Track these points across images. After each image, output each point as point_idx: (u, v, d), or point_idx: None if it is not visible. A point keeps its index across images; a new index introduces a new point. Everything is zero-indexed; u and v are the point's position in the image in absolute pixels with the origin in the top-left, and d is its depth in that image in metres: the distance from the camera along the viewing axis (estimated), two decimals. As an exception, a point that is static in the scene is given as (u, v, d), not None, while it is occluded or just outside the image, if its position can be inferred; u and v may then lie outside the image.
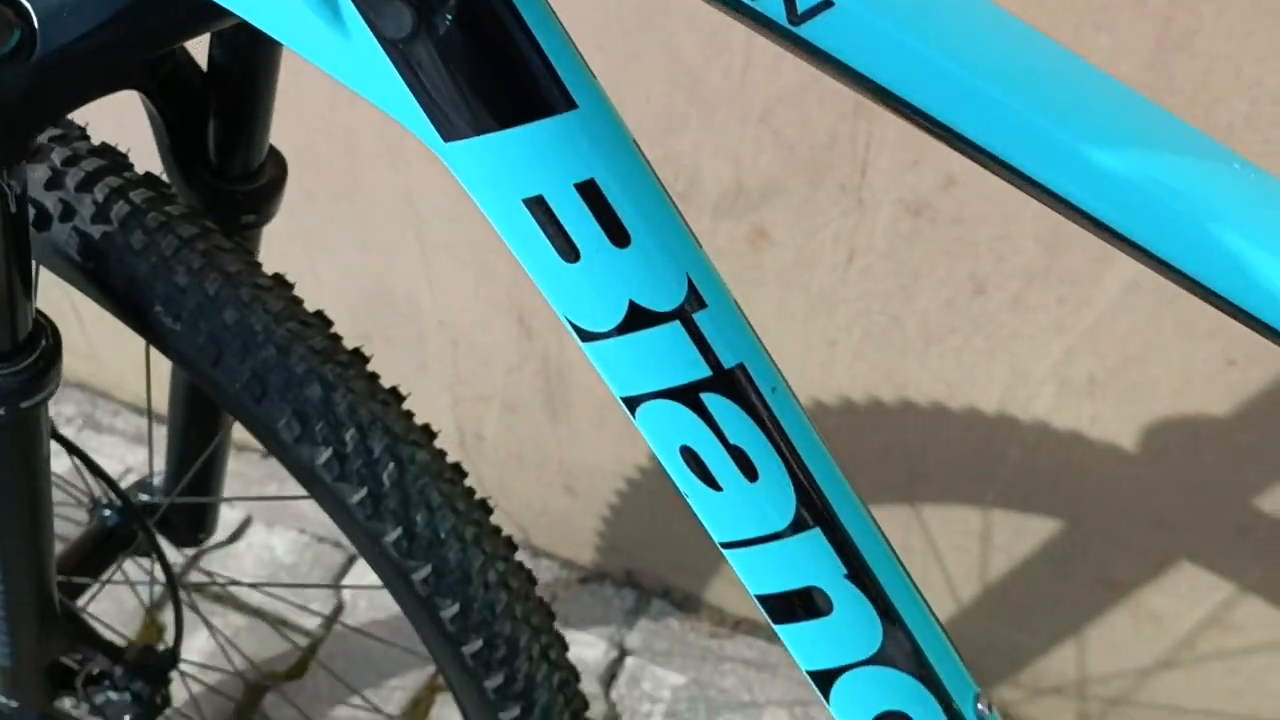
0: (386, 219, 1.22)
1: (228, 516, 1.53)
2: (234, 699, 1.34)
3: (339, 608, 1.44)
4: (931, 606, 0.56)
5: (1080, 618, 1.19)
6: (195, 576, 1.47)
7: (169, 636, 1.39)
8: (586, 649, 1.40)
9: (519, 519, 1.47)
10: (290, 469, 0.63)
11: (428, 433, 0.66)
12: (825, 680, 0.54)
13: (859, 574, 0.52)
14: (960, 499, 1.16)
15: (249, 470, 1.58)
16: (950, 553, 1.21)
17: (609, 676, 1.38)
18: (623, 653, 1.40)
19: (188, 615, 1.39)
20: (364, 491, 0.62)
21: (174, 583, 0.85)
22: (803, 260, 1.05)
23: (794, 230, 1.03)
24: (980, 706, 0.56)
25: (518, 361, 1.28)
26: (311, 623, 1.43)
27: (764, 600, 0.53)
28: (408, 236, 1.23)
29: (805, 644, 0.53)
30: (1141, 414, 1.02)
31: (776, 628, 0.54)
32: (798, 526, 0.51)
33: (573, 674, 0.75)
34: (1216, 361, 0.95)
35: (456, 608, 0.66)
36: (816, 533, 0.51)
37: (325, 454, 0.61)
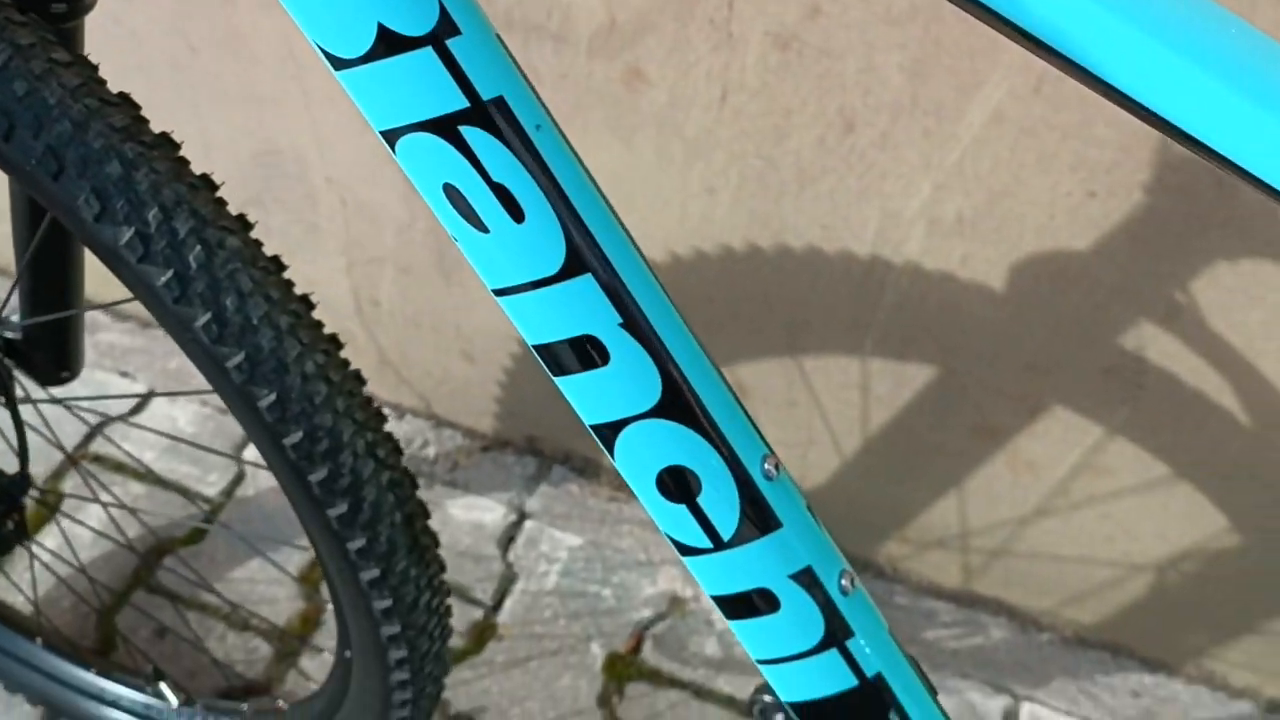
0: (270, 72, 1.20)
1: (131, 389, 1.52)
2: (134, 558, 1.34)
3: (239, 477, 1.44)
4: (721, 372, 0.57)
5: (960, 468, 1.21)
6: (96, 448, 1.46)
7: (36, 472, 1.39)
8: (485, 513, 1.41)
9: (420, 388, 1.47)
10: (97, 252, 0.63)
11: (241, 221, 0.65)
12: (608, 434, 0.55)
13: (635, 323, 0.52)
14: (840, 349, 1.17)
15: (154, 346, 1.57)
16: (833, 407, 1.22)
17: (507, 539, 1.39)
18: (521, 516, 1.41)
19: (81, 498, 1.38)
20: (170, 273, 0.62)
21: (14, 404, 0.84)
22: (677, 101, 1.04)
23: (667, 68, 1.02)
24: (768, 467, 0.57)
25: (407, 219, 1.27)
26: (211, 491, 1.43)
27: (541, 352, 0.53)
28: (291, 90, 1.21)
29: (585, 396, 0.54)
30: (1009, 253, 1.02)
31: (556, 381, 0.54)
32: (568, 271, 0.51)
33: (407, 477, 0.75)
34: (1078, 194, 0.96)
35: (273, 397, 0.66)
36: (588, 279, 0.51)
37: (127, 233, 0.61)
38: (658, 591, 1.35)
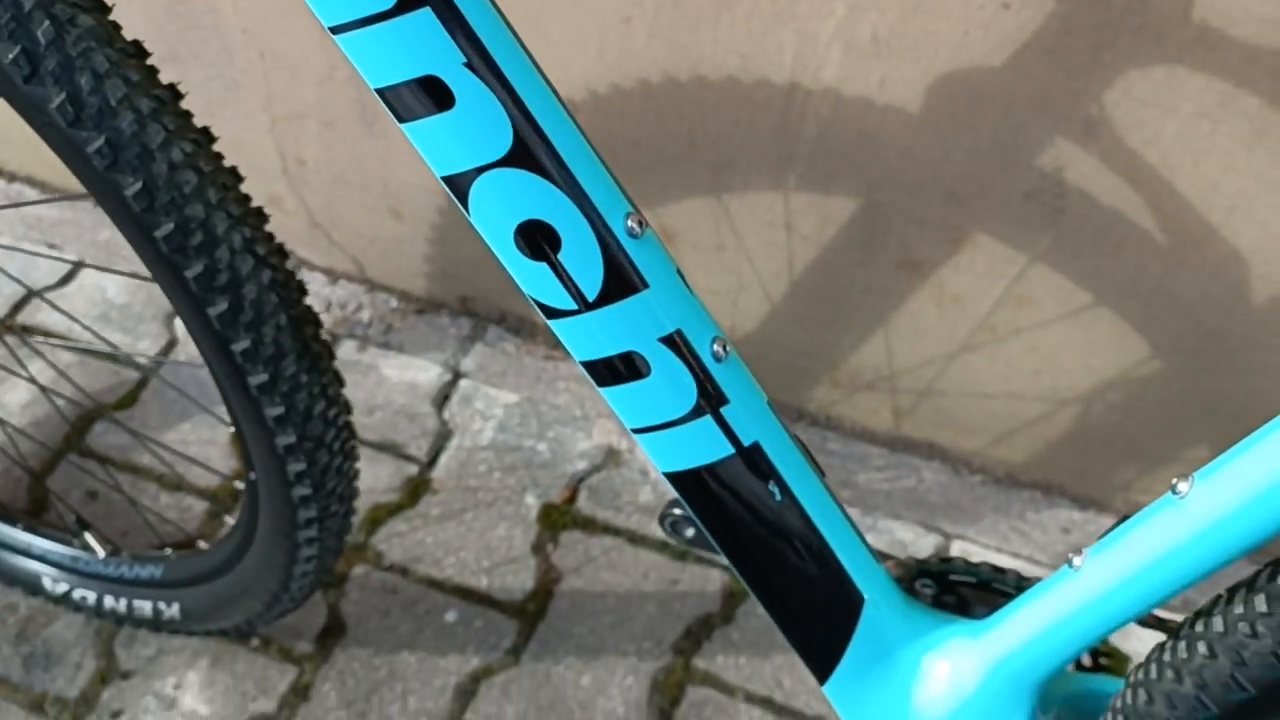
0: (173, -86, 1.16)
1: (59, 262, 1.50)
2: (65, 423, 1.33)
3: (171, 343, 1.43)
4: (579, 125, 0.55)
5: (887, 306, 1.21)
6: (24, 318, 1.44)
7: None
8: (420, 373, 1.41)
9: (352, 251, 1.45)
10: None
11: (96, 2, 0.63)
12: (460, 186, 0.53)
13: (480, 64, 0.51)
14: (765, 186, 1.15)
15: (82, 219, 1.55)
16: (760, 249, 1.21)
17: (442, 398, 1.39)
18: (456, 375, 1.41)
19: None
20: (16, 49, 0.60)
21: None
22: (586, -76, 1.01)
23: (572, -112, 0.99)
24: (631, 224, 0.55)
25: (326, 70, 1.25)
26: (143, 358, 1.42)
27: (385, 97, 0.52)
28: (197, -67, 1.17)
29: (433, 143, 0.52)
30: (926, 73, 1.01)
31: (403, 127, 0.53)
32: (404, 5, 0.49)
33: (292, 279, 0.74)
34: (992, 7, 0.94)
35: (139, 185, 0.64)
36: (426, 14, 0.49)
37: (-31, 9, 0.59)
38: (593, 445, 1.35)
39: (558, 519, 1.29)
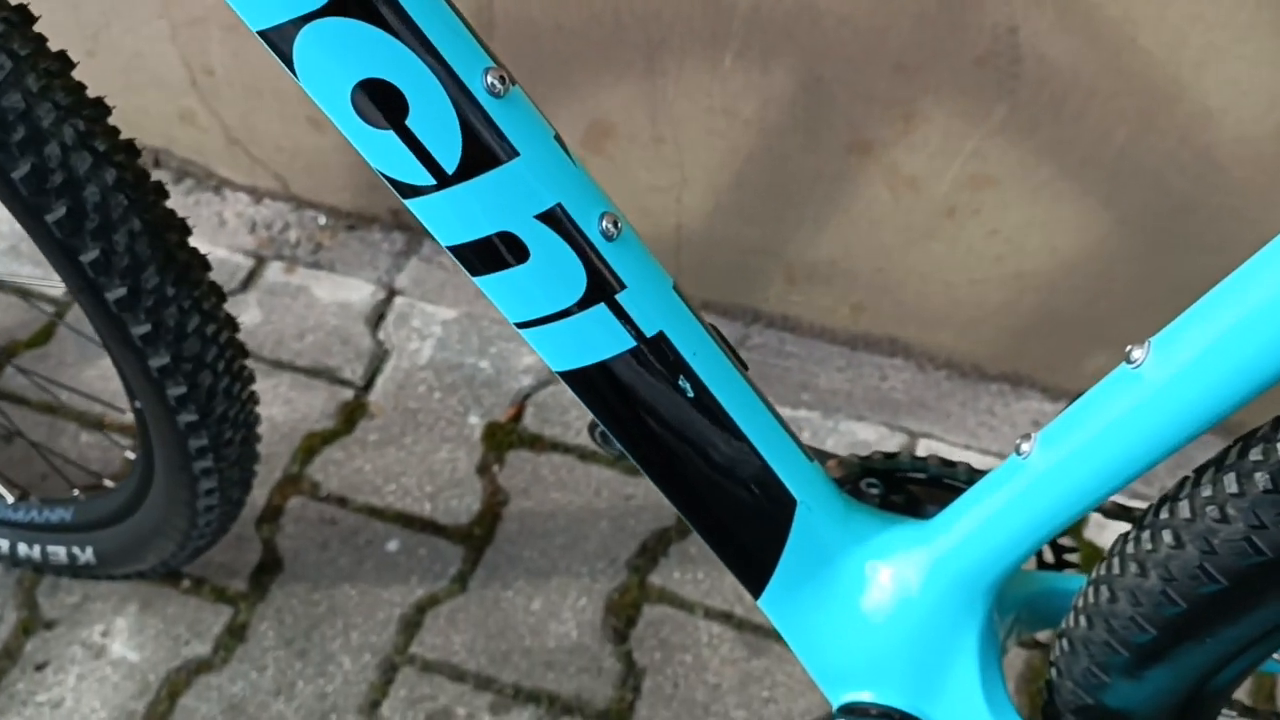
0: None
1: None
2: (-26, 370, 1.26)
3: (88, 274, 1.34)
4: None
5: (839, 193, 1.13)
6: (-70, 256, 1.36)
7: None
8: (353, 293, 1.33)
9: (274, 167, 1.37)
10: None
11: None
12: (282, 45, 0.45)
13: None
14: (700, 68, 1.07)
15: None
16: (701, 138, 1.12)
17: (376, 317, 1.31)
18: (391, 293, 1.33)
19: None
20: None
21: None
22: None
23: None
24: (492, 81, 0.48)
25: (222, -32, 1.15)
26: (56, 291, 1.33)
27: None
28: None
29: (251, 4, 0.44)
30: (863, -70, 0.92)
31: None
32: None
33: (144, 179, 0.66)
34: None
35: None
36: None
37: None
38: (538, 360, 1.28)
39: (503, 438, 1.22)
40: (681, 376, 0.55)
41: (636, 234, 0.54)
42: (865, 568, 0.62)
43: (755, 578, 0.62)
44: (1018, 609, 0.66)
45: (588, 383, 0.55)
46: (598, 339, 0.53)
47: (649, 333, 0.54)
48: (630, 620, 1.11)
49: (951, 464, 0.67)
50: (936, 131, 1.04)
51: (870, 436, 1.22)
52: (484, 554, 1.15)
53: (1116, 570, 0.56)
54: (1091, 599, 0.58)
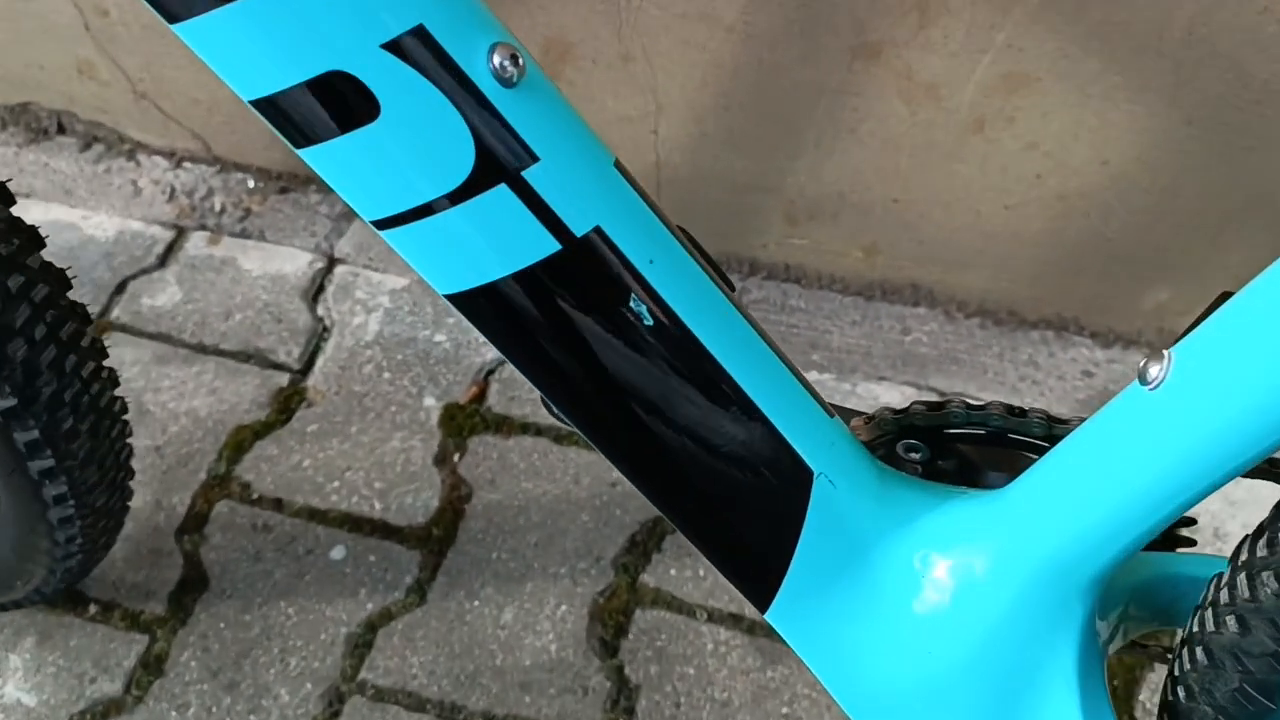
0: None
1: None
2: None
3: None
4: None
5: (845, 111, 0.95)
6: None
7: None
8: (286, 263, 1.15)
9: (191, 124, 1.19)
10: None
11: None
12: None
13: None
14: (669, -37, 0.89)
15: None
16: (677, 54, 0.94)
17: (315, 290, 1.13)
18: (331, 261, 1.15)
19: None
20: None
21: None
22: None
23: None
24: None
25: (102, -119, 0.97)
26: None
27: None
28: None
29: None
30: None
31: None
32: None
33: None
34: None
35: None
36: None
37: None
38: (503, 328, 1.10)
39: (464, 422, 1.05)
40: (633, 295, 0.38)
41: (554, 85, 0.36)
42: (913, 560, 0.44)
43: (761, 581, 0.44)
44: (1126, 603, 0.49)
45: (491, 310, 0.37)
46: (500, 242, 0.35)
47: (578, 229, 0.36)
48: (620, 629, 0.93)
49: (1021, 412, 0.49)
50: (959, 24, 0.86)
51: (893, 399, 1.04)
52: (445, 558, 0.97)
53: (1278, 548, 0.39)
54: (1244, 590, 0.41)
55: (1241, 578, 0.41)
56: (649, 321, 0.38)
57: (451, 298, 0.37)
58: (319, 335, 1.11)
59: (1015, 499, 0.43)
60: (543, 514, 0.99)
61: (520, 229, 0.35)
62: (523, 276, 0.36)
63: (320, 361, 1.09)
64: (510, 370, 1.08)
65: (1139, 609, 0.49)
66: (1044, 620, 0.43)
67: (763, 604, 0.45)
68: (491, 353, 1.09)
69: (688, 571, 0.96)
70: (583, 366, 0.38)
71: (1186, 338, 0.37)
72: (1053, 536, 0.41)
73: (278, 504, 1.01)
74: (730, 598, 0.94)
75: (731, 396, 0.40)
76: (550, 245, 0.36)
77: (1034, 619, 0.43)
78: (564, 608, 0.94)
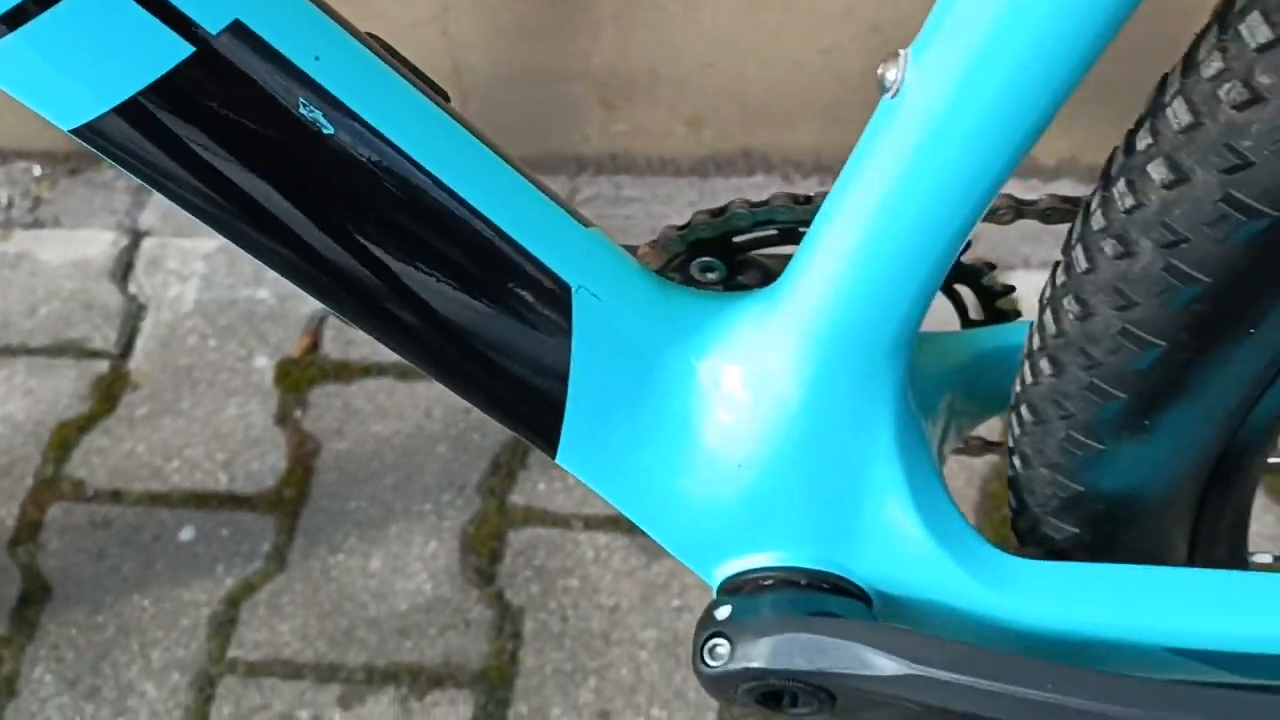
0: None
1: None
2: None
3: None
4: None
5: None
6: None
7: None
8: (88, 247, 1.07)
9: (-41, 117, 1.10)
10: None
11: None
12: None
13: None
14: None
15: None
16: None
17: (123, 269, 1.06)
18: (136, 236, 1.08)
19: None
20: None
21: None
22: None
23: None
24: None
25: None
26: None
27: None
28: None
29: None
30: None
31: None
32: None
33: None
34: None
35: None
36: None
37: None
38: (330, 273, 1.04)
39: (300, 376, 0.98)
40: (302, 101, 0.32)
41: None
42: (699, 371, 0.40)
43: (542, 420, 0.40)
44: (949, 390, 0.45)
45: (131, 143, 0.32)
46: (110, 51, 0.30)
47: (210, 26, 0.30)
48: (495, 554, 0.88)
49: (807, 199, 0.45)
50: None
51: (743, 272, 1.00)
52: (300, 519, 0.91)
53: (1082, 265, 0.35)
54: (1053, 326, 0.37)
55: (1047, 315, 0.38)
56: (329, 129, 0.33)
57: (77, 133, 0.31)
58: (134, 315, 1.03)
59: (791, 281, 0.39)
60: (397, 454, 0.94)
61: (133, 31, 0.29)
62: (153, 93, 0.31)
63: (140, 342, 1.01)
64: (343, 314, 1.02)
65: (965, 399, 0.45)
66: (848, 409, 0.39)
67: (551, 447, 0.40)
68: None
69: (557, 484, 0.91)
70: (262, 196, 0.33)
71: (921, 31, 0.33)
72: (836, 305, 0.37)
73: (115, 496, 0.94)
74: (605, 502, 0.90)
75: (454, 211, 0.35)
76: (179, 49, 0.30)
77: (837, 409, 0.39)
78: (433, 544, 0.89)
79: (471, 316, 0.37)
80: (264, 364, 0.99)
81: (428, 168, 0.35)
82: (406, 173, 0.35)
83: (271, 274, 1.08)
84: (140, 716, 0.84)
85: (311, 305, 1.02)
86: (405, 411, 0.96)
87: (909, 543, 0.41)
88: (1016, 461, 0.42)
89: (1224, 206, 0.30)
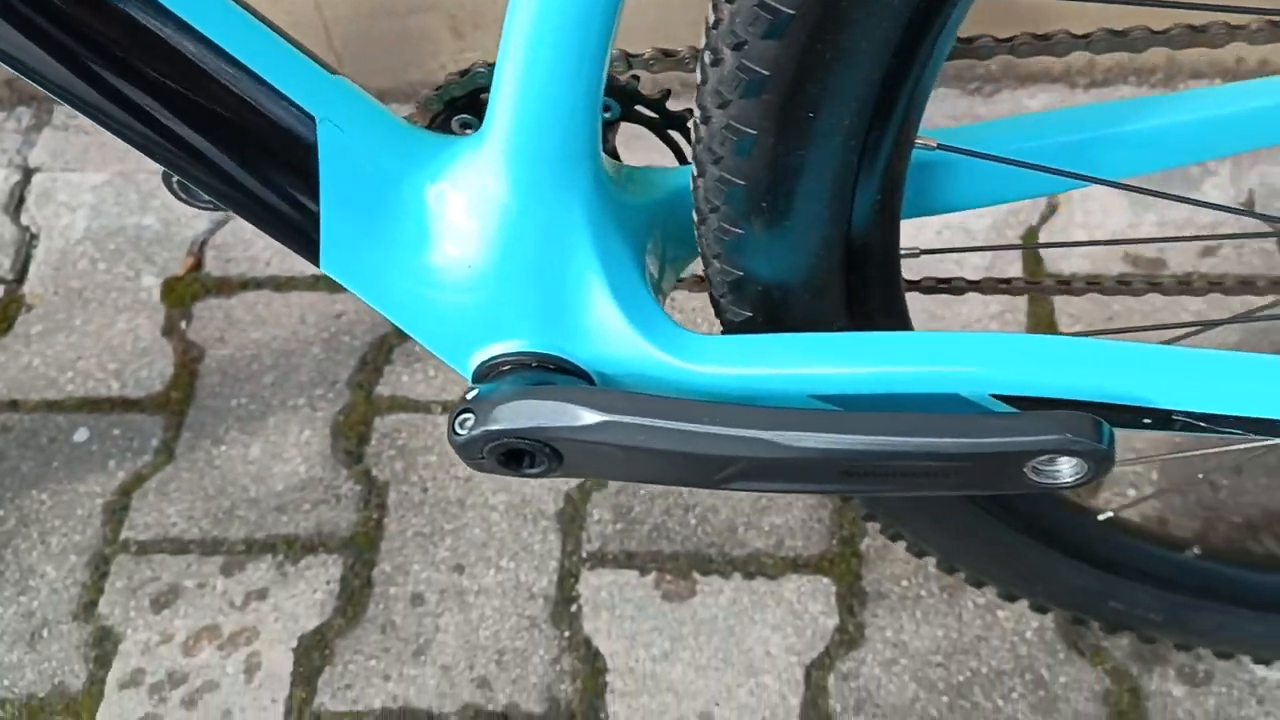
0: None
1: None
2: None
3: None
4: None
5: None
6: None
7: None
8: (-17, 184, 1.15)
9: None
10: None
11: None
12: None
13: None
14: None
15: None
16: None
17: (15, 203, 1.13)
18: (27, 173, 1.15)
19: None
20: None
21: None
22: None
23: None
24: None
25: None
26: None
27: None
28: None
29: None
30: None
31: None
32: None
33: None
34: None
35: None
36: None
37: None
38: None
39: (184, 291, 1.07)
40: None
41: None
42: (431, 192, 0.49)
43: (301, 233, 0.49)
44: (655, 218, 0.55)
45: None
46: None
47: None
48: (363, 438, 0.98)
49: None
50: None
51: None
52: (186, 416, 1.00)
53: (700, 80, 0.45)
54: (695, 134, 0.47)
55: (695, 124, 0.47)
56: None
57: None
58: (28, 244, 1.11)
59: (491, 112, 0.48)
60: (274, 356, 1.03)
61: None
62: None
63: (33, 268, 1.09)
64: (223, 236, 1.10)
65: (672, 229, 0.55)
66: (550, 209, 0.49)
67: (314, 257, 0.50)
68: (202, 224, 1.11)
69: (419, 375, 1.01)
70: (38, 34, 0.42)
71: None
72: (519, 124, 0.46)
73: (13, 405, 1.02)
74: (460, 388, 1.00)
75: (200, 50, 0.44)
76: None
77: (541, 209, 0.48)
78: (307, 433, 0.99)
79: (231, 141, 0.46)
80: (151, 283, 1.08)
81: (179, 14, 0.44)
82: (157, 17, 0.44)
83: (158, 201, 1.16)
84: (40, 594, 0.93)
85: (196, 228, 1.11)
86: (282, 319, 1.05)
87: (614, 329, 0.51)
88: (706, 268, 0.52)
89: (758, 10, 0.40)
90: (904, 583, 0.87)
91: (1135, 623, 0.77)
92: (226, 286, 1.07)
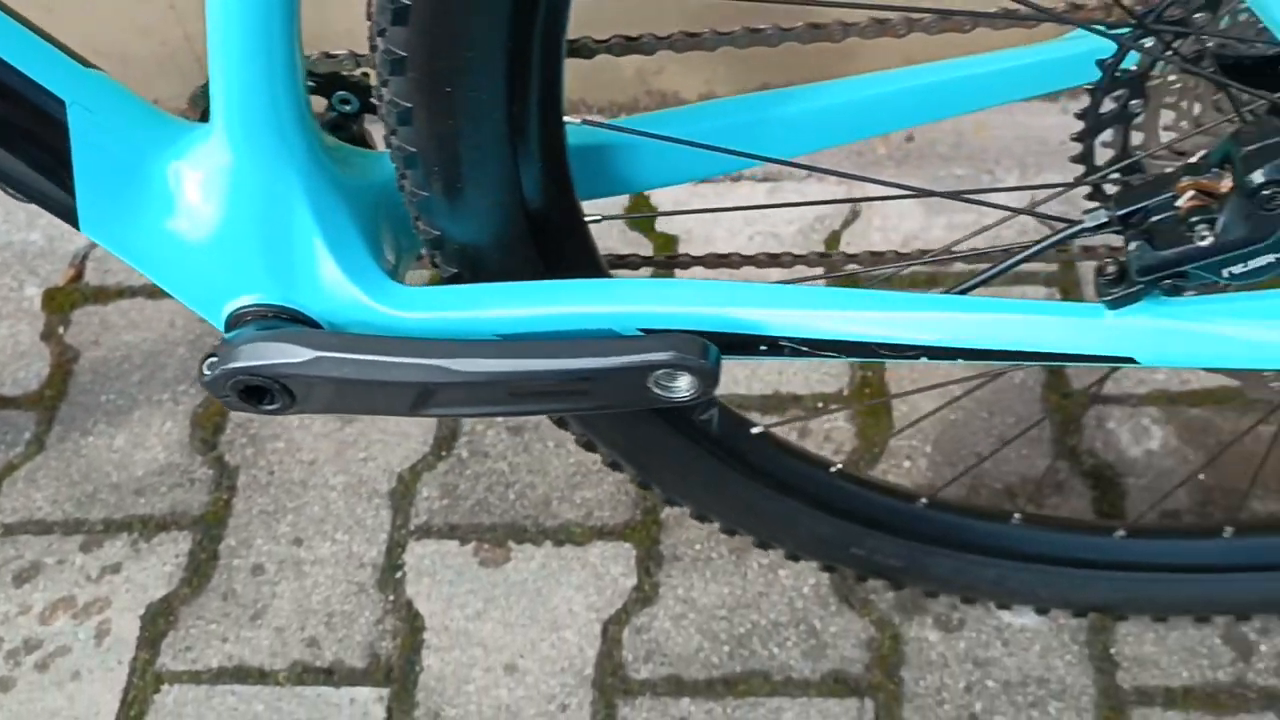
0: None
1: None
2: None
3: None
4: None
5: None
6: None
7: None
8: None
9: None
10: None
11: None
12: None
13: None
14: None
15: None
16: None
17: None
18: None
19: None
20: None
21: None
22: None
23: None
24: None
25: None
26: None
27: None
28: None
29: None
30: None
31: None
32: None
33: None
34: None
35: None
36: None
37: None
38: (94, 217, 1.21)
39: (64, 300, 1.16)
40: None
41: None
42: (170, 169, 0.59)
43: (62, 203, 0.58)
44: (376, 199, 0.64)
45: None
46: None
47: None
48: (218, 427, 1.06)
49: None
50: None
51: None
52: (58, 412, 1.09)
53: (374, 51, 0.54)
54: (383, 123, 0.56)
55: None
56: None
57: None
58: (-79, 259, 1.20)
59: (214, 93, 0.57)
60: (144, 357, 1.12)
61: None
62: None
63: (-76, 281, 1.19)
64: (105, 249, 1.19)
65: (392, 210, 0.64)
66: (270, 179, 0.57)
67: (74, 221, 0.59)
68: (84, 239, 1.20)
69: (274, 371, 1.09)
70: None
71: None
72: (234, 101, 0.56)
73: (-102, 405, 1.11)
74: (311, 382, 1.08)
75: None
76: None
77: (261, 180, 0.57)
78: (169, 424, 1.07)
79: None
80: (33, 293, 1.17)
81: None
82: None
83: (43, 219, 1.25)
84: (-85, 573, 1.01)
85: (76, 244, 1.20)
86: (152, 324, 1.14)
87: (334, 282, 0.60)
88: (412, 221, 0.61)
89: (384, 1, 0.49)
90: (697, 546, 0.96)
91: (880, 570, 0.85)
92: (104, 295, 1.16)
